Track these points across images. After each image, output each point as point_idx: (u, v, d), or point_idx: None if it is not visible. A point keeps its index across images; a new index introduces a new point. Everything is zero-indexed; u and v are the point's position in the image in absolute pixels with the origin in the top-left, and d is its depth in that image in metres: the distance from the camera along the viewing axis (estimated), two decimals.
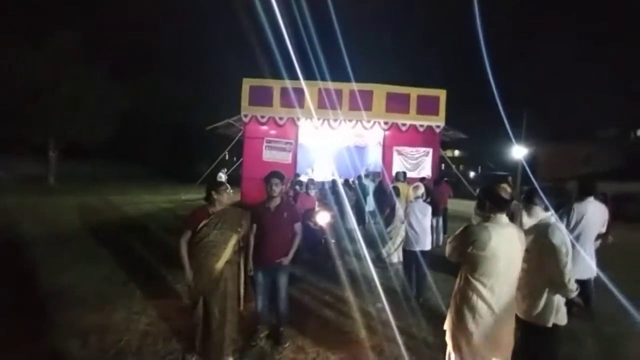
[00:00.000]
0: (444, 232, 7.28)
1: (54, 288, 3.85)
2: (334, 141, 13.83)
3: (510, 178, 8.03)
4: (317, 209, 5.48)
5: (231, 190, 2.66)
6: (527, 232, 2.06)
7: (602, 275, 3.51)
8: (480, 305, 1.80)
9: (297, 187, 6.45)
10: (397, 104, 11.40)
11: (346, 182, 8.33)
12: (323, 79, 10.35)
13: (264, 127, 11.57)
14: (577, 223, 3.39)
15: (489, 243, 1.77)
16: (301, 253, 4.04)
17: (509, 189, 1.93)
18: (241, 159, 12.16)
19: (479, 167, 40.02)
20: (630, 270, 5.20)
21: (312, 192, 5.84)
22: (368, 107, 11.25)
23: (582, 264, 3.27)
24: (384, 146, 11.74)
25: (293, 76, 10.07)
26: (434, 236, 6.00)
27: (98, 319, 3.21)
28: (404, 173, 7.29)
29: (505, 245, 1.80)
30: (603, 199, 3.96)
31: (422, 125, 11.47)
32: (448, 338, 1.99)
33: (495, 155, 31.44)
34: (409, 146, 11.57)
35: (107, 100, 17.00)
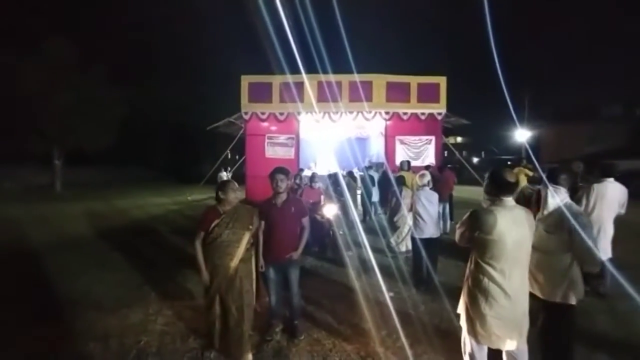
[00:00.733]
0: (451, 219, 7.29)
1: (69, 295, 3.92)
2: (335, 134, 13.79)
3: (524, 161, 7.98)
4: (322, 201, 5.51)
5: (238, 188, 2.67)
6: (551, 214, 2.07)
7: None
8: (492, 287, 1.82)
9: (298, 181, 6.48)
10: (397, 93, 11.32)
11: (350, 174, 8.34)
12: (323, 71, 10.27)
13: (265, 124, 11.56)
14: (596, 203, 3.42)
15: (496, 226, 1.79)
16: (310, 246, 4.07)
17: (529, 172, 1.97)
18: (244, 157, 12.19)
19: (482, 153, 39.76)
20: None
21: (317, 186, 5.87)
22: (369, 98, 11.18)
23: (600, 244, 3.28)
24: (386, 136, 11.70)
25: (292, 70, 10.02)
26: (441, 223, 6.01)
27: (116, 322, 3.27)
28: (408, 162, 7.29)
29: (512, 228, 1.81)
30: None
31: (423, 114, 11.40)
32: (462, 322, 2.01)
33: (498, 140, 31.21)
34: (411, 135, 11.52)
35: (106, 106, 17.02)
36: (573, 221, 2.01)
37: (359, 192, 8.38)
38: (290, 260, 2.96)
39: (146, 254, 5.67)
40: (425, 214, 3.95)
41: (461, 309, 2.04)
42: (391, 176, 7.87)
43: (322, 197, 5.62)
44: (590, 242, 1.97)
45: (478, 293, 1.87)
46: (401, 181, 5.24)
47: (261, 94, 11.33)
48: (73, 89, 15.53)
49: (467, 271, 2.00)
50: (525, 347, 1.90)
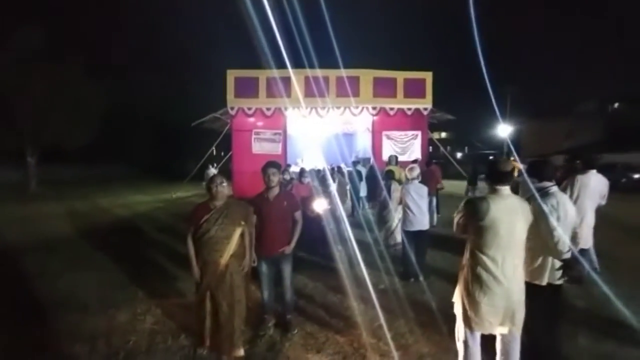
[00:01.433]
0: (437, 212, 7.44)
1: (51, 296, 3.77)
2: (322, 130, 13.76)
3: (512, 158, 8.21)
4: (313, 197, 5.49)
5: (225, 183, 2.61)
6: (528, 200, 2.15)
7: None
8: (485, 276, 1.87)
9: (287, 177, 6.43)
10: (384, 88, 11.39)
11: (339, 169, 8.36)
12: (310, 66, 10.18)
13: (252, 119, 11.41)
14: (580, 194, 3.58)
15: (489, 213, 1.85)
16: (300, 241, 4.05)
17: (519, 165, 2.02)
18: (230, 153, 12.00)
19: (466, 148, 40.68)
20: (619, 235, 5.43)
21: (306, 181, 5.84)
22: (356, 93, 11.21)
23: (582, 232, 3.41)
24: (373, 131, 11.77)
25: (278, 65, 9.88)
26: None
27: (102, 322, 3.17)
28: (396, 157, 7.35)
29: (505, 215, 1.87)
30: None
31: (409, 109, 11.52)
32: (457, 310, 2.05)
33: (481, 135, 31.98)
34: (397, 130, 11.63)
35: (83, 100, 16.28)
36: (535, 206, 2.10)
37: (347, 187, 8.41)
38: (283, 255, 2.94)
39: (131, 253, 5.51)
40: (415, 207, 4.00)
41: (456, 297, 2.08)
42: (377, 172, 7.95)
43: (312, 191, 5.60)
44: (551, 229, 2.05)
45: (472, 281, 1.92)
46: (390, 175, 5.28)
47: (247, 89, 11.16)
48: (44, 81, 14.73)
49: (463, 260, 2.04)
50: (518, 334, 1.96)
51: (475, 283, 1.90)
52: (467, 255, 2.01)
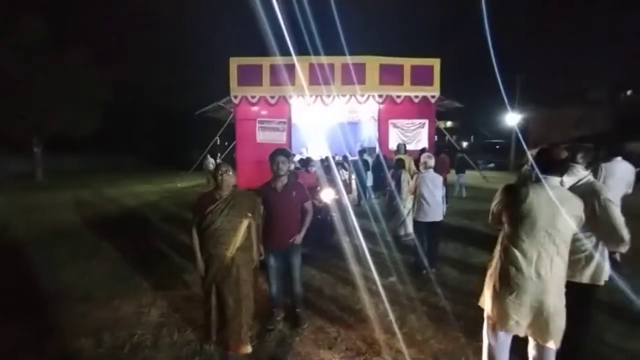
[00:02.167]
0: (446, 202, 7.28)
1: (56, 287, 3.71)
2: (326, 118, 13.52)
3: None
4: (319, 186, 5.36)
5: (231, 172, 2.46)
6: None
7: None
8: (514, 272, 1.71)
9: (291, 166, 6.28)
10: (390, 75, 11.05)
11: (345, 159, 8.19)
12: (314, 52, 9.87)
13: (255, 108, 11.19)
14: (605, 183, 3.36)
15: (526, 200, 1.68)
16: (309, 232, 3.95)
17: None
18: (234, 143, 11.85)
19: (472, 137, 40.05)
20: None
21: (312, 170, 5.71)
22: (362, 81, 10.89)
23: None
24: (379, 120, 11.50)
25: (282, 52, 9.60)
26: None
27: (107, 315, 3.10)
28: (405, 145, 7.16)
29: (546, 207, 1.68)
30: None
31: (417, 96, 11.19)
32: (485, 307, 1.91)
33: (488, 124, 31.38)
34: (404, 118, 11.34)
35: (89, 89, 16.15)
36: (593, 199, 1.93)
37: (353, 176, 8.27)
38: (292, 246, 2.82)
39: (136, 243, 5.44)
40: (430, 197, 3.85)
41: (486, 296, 1.91)
42: (383, 161, 7.77)
43: (319, 181, 5.46)
44: (618, 219, 1.90)
45: (500, 276, 1.77)
46: (401, 164, 5.12)
47: (251, 76, 10.90)
48: (47, 70, 14.58)
49: (494, 253, 1.89)
50: (553, 347, 1.74)
51: (503, 278, 1.75)
52: (498, 247, 1.84)
